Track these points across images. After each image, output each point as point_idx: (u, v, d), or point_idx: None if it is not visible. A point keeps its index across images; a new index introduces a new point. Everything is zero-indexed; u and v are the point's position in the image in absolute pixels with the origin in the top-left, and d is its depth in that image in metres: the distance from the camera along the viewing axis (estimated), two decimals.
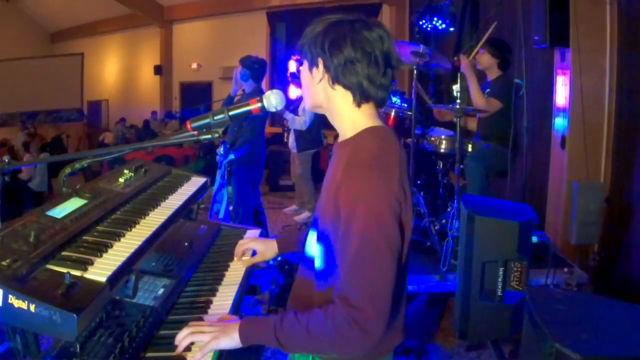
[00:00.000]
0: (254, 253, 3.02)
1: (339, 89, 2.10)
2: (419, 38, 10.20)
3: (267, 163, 7.68)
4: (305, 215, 9.71)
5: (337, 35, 2.05)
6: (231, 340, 2.05)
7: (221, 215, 6.79)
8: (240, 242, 3.07)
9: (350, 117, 2.14)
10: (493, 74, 6.36)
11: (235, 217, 6.98)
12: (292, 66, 12.31)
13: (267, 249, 2.96)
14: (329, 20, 2.11)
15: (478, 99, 6.07)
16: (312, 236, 2.28)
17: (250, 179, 7.09)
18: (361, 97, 2.09)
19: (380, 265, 1.93)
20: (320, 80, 2.11)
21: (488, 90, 6.31)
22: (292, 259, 5.29)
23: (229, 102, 7.28)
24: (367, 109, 2.14)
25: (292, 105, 9.62)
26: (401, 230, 1.99)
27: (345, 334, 1.91)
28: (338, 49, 2.03)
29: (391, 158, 2.07)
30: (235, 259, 3.05)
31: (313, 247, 2.24)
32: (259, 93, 6.81)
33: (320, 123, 9.26)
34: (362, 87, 2.07)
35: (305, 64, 2.17)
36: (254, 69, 6.96)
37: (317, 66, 2.10)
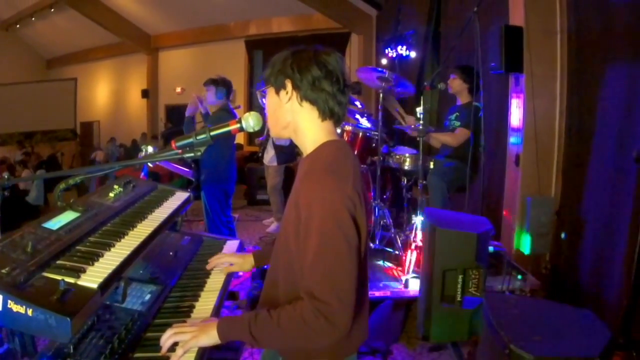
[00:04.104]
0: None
1: (305, 105, 2.16)
2: (385, 64, 10.22)
3: (244, 179, 7.60)
4: (275, 225, 9.69)
5: (303, 59, 2.13)
6: (210, 337, 2.07)
7: None
8: (219, 256, 3.08)
9: (312, 132, 2.21)
10: (463, 98, 6.48)
11: (208, 230, 6.95)
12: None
13: (245, 263, 2.99)
14: (290, 50, 2.20)
15: (448, 141, 6.37)
16: (277, 242, 2.31)
17: (218, 194, 7.01)
18: (325, 112, 2.16)
19: (340, 259, 1.96)
20: (289, 99, 2.16)
21: (457, 114, 6.40)
22: None
23: (190, 124, 7.13)
24: (328, 125, 2.21)
25: None
26: (357, 229, 2.02)
27: (313, 326, 1.94)
28: (306, 69, 2.11)
29: (346, 165, 2.13)
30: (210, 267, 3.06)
31: (278, 252, 2.28)
32: (227, 109, 6.85)
33: None
34: (327, 102, 2.14)
35: (271, 91, 2.23)
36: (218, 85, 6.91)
37: (285, 88, 2.16)
